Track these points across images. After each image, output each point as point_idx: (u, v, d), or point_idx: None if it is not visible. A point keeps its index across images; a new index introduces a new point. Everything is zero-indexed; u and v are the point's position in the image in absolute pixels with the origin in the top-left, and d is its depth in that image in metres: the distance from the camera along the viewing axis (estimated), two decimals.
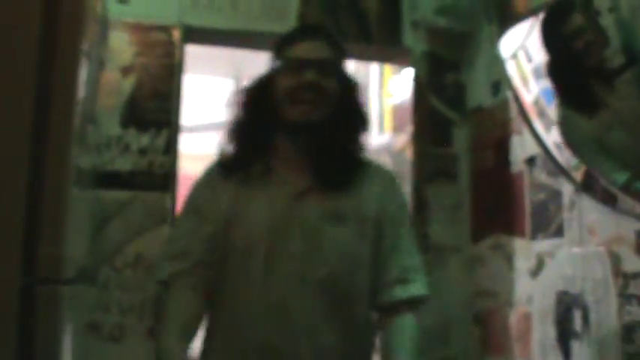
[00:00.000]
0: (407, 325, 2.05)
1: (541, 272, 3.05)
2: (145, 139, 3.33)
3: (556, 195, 2.97)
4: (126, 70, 3.36)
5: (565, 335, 2.85)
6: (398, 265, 2.07)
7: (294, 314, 1.95)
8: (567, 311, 2.84)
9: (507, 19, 3.19)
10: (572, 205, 2.86)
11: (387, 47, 3.84)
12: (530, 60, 3.03)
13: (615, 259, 2.60)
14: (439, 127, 3.77)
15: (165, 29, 3.46)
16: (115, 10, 3.31)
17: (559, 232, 2.93)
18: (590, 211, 2.76)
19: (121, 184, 3.27)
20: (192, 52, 3.60)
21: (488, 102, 3.58)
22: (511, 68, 3.15)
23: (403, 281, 2.06)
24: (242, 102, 2.16)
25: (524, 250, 3.18)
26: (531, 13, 2.97)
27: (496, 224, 3.44)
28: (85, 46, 1.95)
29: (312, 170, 2.05)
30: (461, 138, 3.75)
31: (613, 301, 2.59)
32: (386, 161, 4.16)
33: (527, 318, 3.12)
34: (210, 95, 5.98)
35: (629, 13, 2.44)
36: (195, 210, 2.13)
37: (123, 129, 3.31)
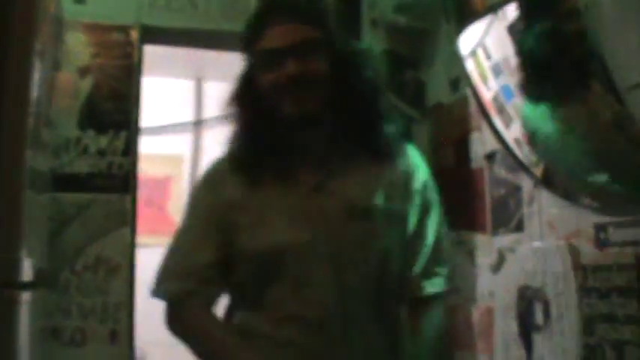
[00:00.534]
0: (429, 323, 1.94)
1: (502, 267, 3.07)
2: (103, 141, 3.29)
3: (516, 190, 2.98)
4: (83, 71, 3.33)
5: (527, 329, 2.86)
6: (424, 257, 1.93)
7: (334, 328, 1.78)
8: (529, 305, 2.86)
9: (466, 16, 3.20)
10: (532, 200, 2.88)
11: None
12: (489, 57, 3.04)
13: (575, 253, 2.62)
14: (399, 125, 3.76)
15: (123, 29, 3.42)
16: (71, 9, 3.27)
17: (519, 227, 2.95)
18: (550, 205, 2.77)
19: (80, 187, 3.23)
20: (152, 53, 3.58)
21: (447, 99, 3.59)
22: (470, 65, 3.16)
23: (428, 275, 1.94)
24: (234, 109, 1.97)
25: (486, 245, 3.19)
26: (489, 10, 2.97)
27: (457, 221, 3.44)
28: (38, 46, 1.93)
29: (330, 160, 1.88)
30: (421, 135, 3.75)
31: (573, 295, 2.60)
32: None
33: (489, 313, 3.14)
34: (171, 96, 5.95)
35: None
36: (200, 215, 1.95)
37: (81, 130, 3.27)
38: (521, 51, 2.70)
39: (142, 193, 3.49)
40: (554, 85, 2.53)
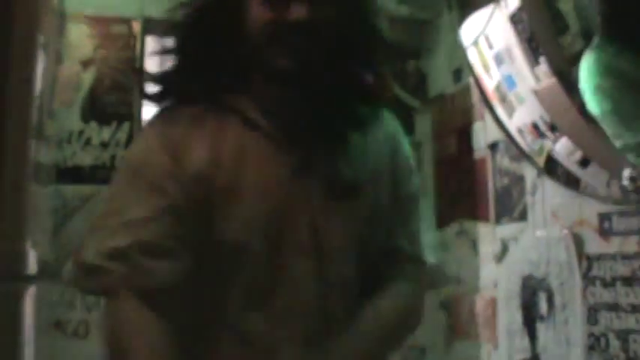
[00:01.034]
0: (401, 293, 1.59)
1: (506, 257, 3.07)
2: (106, 133, 3.29)
3: (519, 180, 2.98)
4: (86, 64, 3.33)
5: (531, 319, 2.87)
6: (406, 230, 1.63)
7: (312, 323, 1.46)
8: (532, 295, 2.86)
9: (467, 6, 3.19)
10: (535, 189, 2.88)
11: None
12: (491, 47, 3.03)
13: (579, 242, 2.62)
14: (401, 115, 3.75)
15: (126, 21, 3.43)
16: (73, 2, 3.28)
17: (523, 217, 2.95)
18: (553, 195, 2.77)
19: (83, 179, 3.24)
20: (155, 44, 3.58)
21: (450, 89, 3.59)
22: (472, 55, 3.15)
23: (411, 241, 1.62)
24: (199, 25, 1.48)
25: (489, 235, 3.19)
26: (491, 0, 2.97)
27: (460, 210, 3.46)
28: (41, 39, 1.93)
29: (309, 132, 1.50)
30: (423, 125, 3.76)
31: (577, 284, 2.60)
32: None
33: (493, 303, 3.14)
34: None
35: None
36: (145, 180, 1.43)
37: (84, 123, 3.28)
38: None
39: None
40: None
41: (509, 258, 3.05)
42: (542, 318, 2.79)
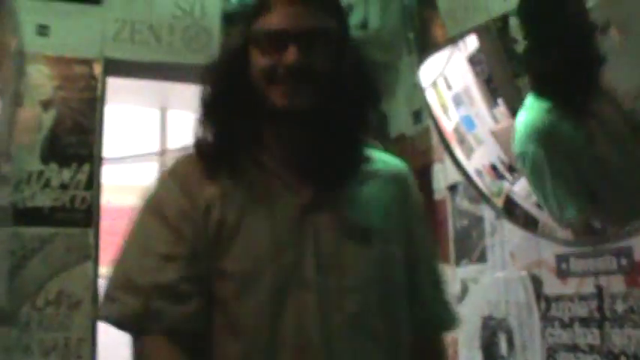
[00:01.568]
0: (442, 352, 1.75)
1: (466, 298, 3.08)
2: (66, 174, 3.26)
3: (478, 221, 3.00)
4: (46, 104, 3.30)
5: (491, 359, 2.87)
6: (441, 285, 1.72)
7: None
8: (493, 335, 2.87)
9: (427, 48, 3.23)
10: (494, 230, 2.90)
11: None
12: (449, 87, 3.07)
13: (537, 283, 2.64)
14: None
15: (87, 62, 3.41)
16: (34, 42, 3.27)
17: (482, 258, 2.96)
18: (512, 236, 2.79)
19: (42, 220, 3.20)
20: (115, 83, 3.58)
21: (410, 130, 3.61)
22: (431, 96, 3.19)
23: (444, 301, 1.73)
24: (212, 81, 1.61)
25: (449, 276, 3.19)
26: (450, 42, 3.02)
27: None
28: None
29: (317, 172, 1.57)
30: None
31: (536, 324, 2.63)
32: None
33: (454, 343, 3.13)
34: (135, 125, 5.93)
35: None
36: (163, 222, 1.54)
37: (43, 164, 3.25)
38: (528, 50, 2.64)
39: (107, 224, 3.47)
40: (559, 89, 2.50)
41: (469, 298, 3.06)
42: (502, 358, 2.80)
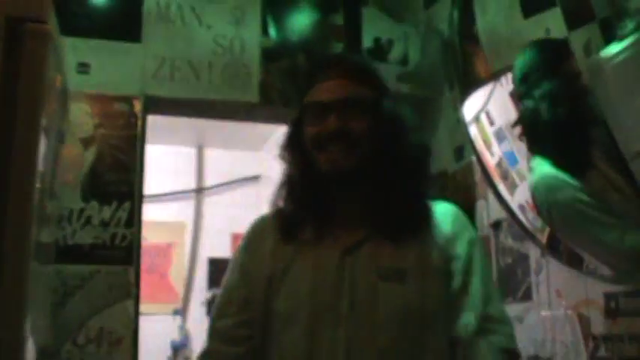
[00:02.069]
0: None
1: None
2: (106, 212, 3.28)
3: (523, 258, 2.96)
4: (87, 142, 3.33)
5: None
6: (477, 313, 1.74)
7: None
8: None
9: (469, 83, 3.21)
10: (540, 268, 2.85)
11: None
12: (492, 123, 3.04)
13: (584, 322, 2.59)
14: None
15: (127, 100, 3.44)
16: (75, 80, 3.29)
17: (527, 296, 2.92)
18: (558, 274, 2.75)
19: (83, 258, 3.21)
20: (153, 121, 3.59)
21: (452, 167, 3.59)
22: (474, 132, 3.16)
23: (483, 331, 1.73)
24: (284, 158, 1.89)
25: None
26: (493, 77, 2.99)
27: None
28: (44, 121, 1.92)
29: (366, 222, 1.79)
30: None
31: None
32: None
33: None
34: (172, 164, 5.98)
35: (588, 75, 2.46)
36: (233, 275, 1.90)
37: (84, 202, 3.26)
38: (523, 114, 2.70)
39: (144, 261, 3.47)
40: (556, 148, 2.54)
41: None
42: None
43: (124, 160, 3.36)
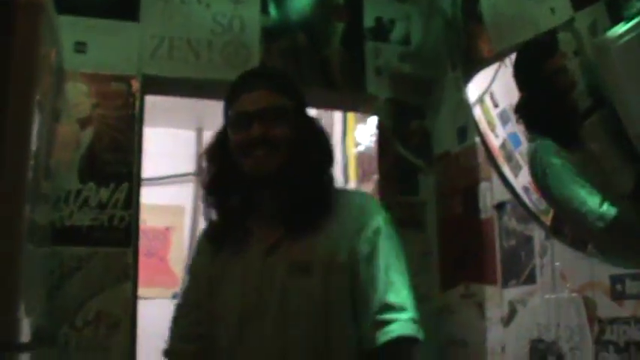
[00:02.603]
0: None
1: (514, 320, 3.00)
2: (104, 193, 3.24)
3: (527, 241, 2.92)
4: (84, 122, 3.28)
5: None
6: (376, 304, 1.87)
7: None
8: (542, 359, 2.78)
9: (472, 64, 3.17)
10: (544, 250, 2.82)
11: (350, 94, 3.81)
12: (496, 105, 3.01)
13: (590, 305, 2.55)
14: (405, 175, 3.72)
15: (125, 79, 3.39)
16: (71, 60, 3.25)
17: (531, 279, 2.88)
18: (562, 256, 2.71)
19: (81, 240, 3.17)
20: (152, 103, 3.54)
21: (455, 148, 3.55)
22: (477, 113, 3.12)
23: (382, 324, 1.85)
24: (206, 164, 2.10)
25: (496, 298, 3.12)
26: (497, 57, 2.95)
27: (466, 272, 3.39)
28: (38, 97, 1.88)
29: (283, 222, 1.97)
30: (428, 185, 3.71)
31: (589, 348, 2.54)
32: None
33: None
34: (171, 147, 5.94)
35: (594, 55, 2.43)
36: (188, 272, 2.17)
37: (81, 183, 3.22)
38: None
39: (143, 244, 3.43)
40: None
41: (517, 321, 2.98)
42: None
43: (121, 140, 3.31)
